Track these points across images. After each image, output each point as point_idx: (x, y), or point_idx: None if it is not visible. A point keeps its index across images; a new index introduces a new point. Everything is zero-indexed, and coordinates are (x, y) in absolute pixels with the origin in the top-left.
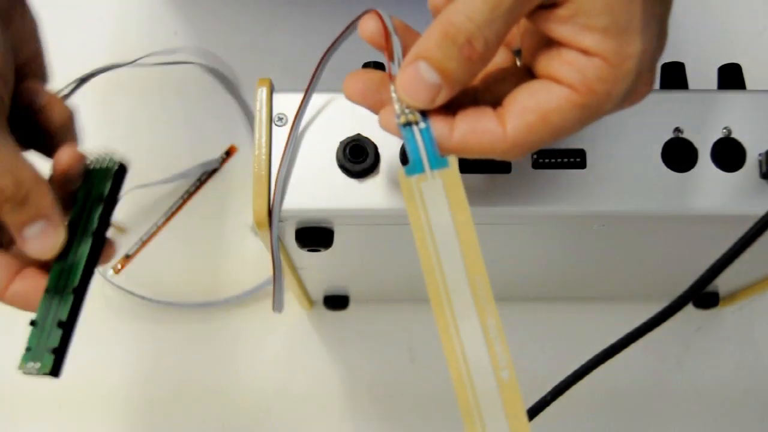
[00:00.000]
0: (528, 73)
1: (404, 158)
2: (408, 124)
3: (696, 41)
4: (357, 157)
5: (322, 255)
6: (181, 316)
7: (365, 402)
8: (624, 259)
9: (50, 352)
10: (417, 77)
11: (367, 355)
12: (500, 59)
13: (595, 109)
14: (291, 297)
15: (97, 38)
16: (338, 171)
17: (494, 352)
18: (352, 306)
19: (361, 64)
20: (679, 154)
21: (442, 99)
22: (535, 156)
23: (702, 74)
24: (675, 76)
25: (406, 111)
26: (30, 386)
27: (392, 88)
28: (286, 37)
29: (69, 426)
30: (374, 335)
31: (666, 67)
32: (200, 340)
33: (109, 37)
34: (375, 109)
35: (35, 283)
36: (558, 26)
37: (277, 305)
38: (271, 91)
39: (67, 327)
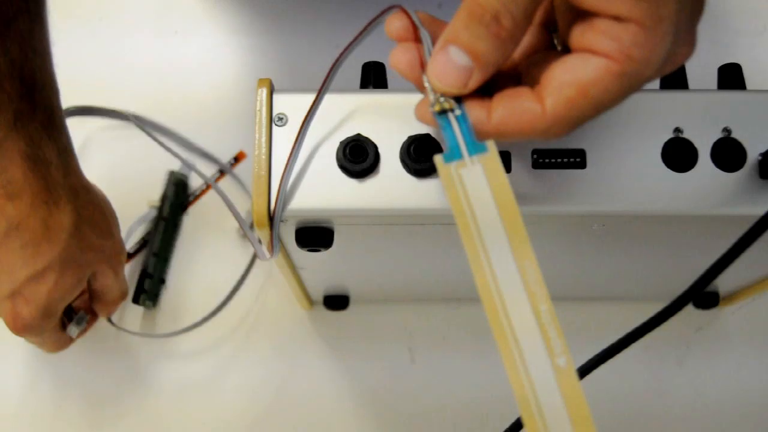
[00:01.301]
0: (563, 47)
1: (404, 158)
2: (443, 111)
3: (696, 41)
4: (357, 157)
5: (322, 255)
6: (181, 307)
7: (365, 402)
8: (624, 259)
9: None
10: (448, 61)
11: (367, 355)
12: (540, 41)
13: (635, 76)
14: (291, 297)
15: (99, 36)
16: (338, 171)
17: (549, 338)
18: (352, 306)
19: (361, 63)
20: (679, 154)
21: (475, 82)
22: (535, 156)
23: (702, 74)
24: (675, 76)
25: (441, 99)
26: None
27: (425, 78)
28: (286, 37)
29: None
30: (374, 335)
31: None
32: (199, 338)
33: (110, 36)
34: (419, 84)
35: None
36: None
37: (260, 254)
38: (271, 91)
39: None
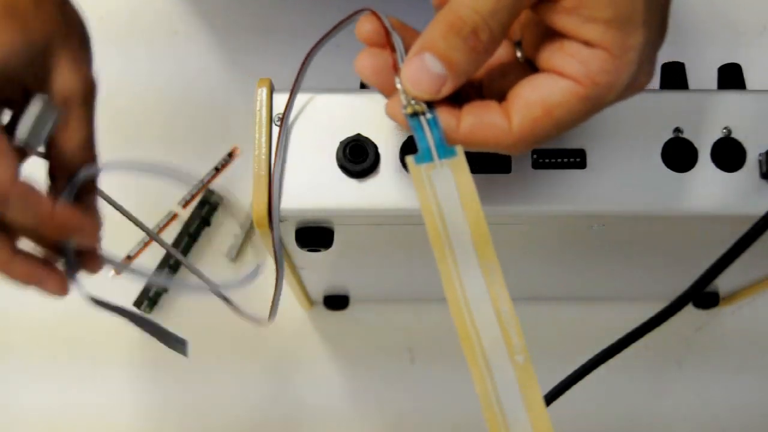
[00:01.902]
0: (530, 67)
1: (404, 158)
2: (415, 114)
3: (696, 41)
4: (357, 157)
5: (322, 255)
6: (180, 313)
7: (365, 402)
8: (624, 259)
9: None
10: (422, 68)
11: (367, 355)
12: (503, 53)
13: (598, 100)
14: (291, 297)
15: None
16: (338, 171)
17: (509, 337)
18: (352, 306)
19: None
20: (679, 154)
21: (447, 90)
22: (535, 156)
23: (702, 74)
24: (675, 76)
25: (412, 102)
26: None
27: (397, 80)
28: (287, 37)
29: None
30: (374, 335)
31: (666, 67)
32: (199, 339)
33: (110, 36)
34: (383, 89)
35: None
36: (561, 17)
37: (273, 314)
38: (271, 91)
39: None
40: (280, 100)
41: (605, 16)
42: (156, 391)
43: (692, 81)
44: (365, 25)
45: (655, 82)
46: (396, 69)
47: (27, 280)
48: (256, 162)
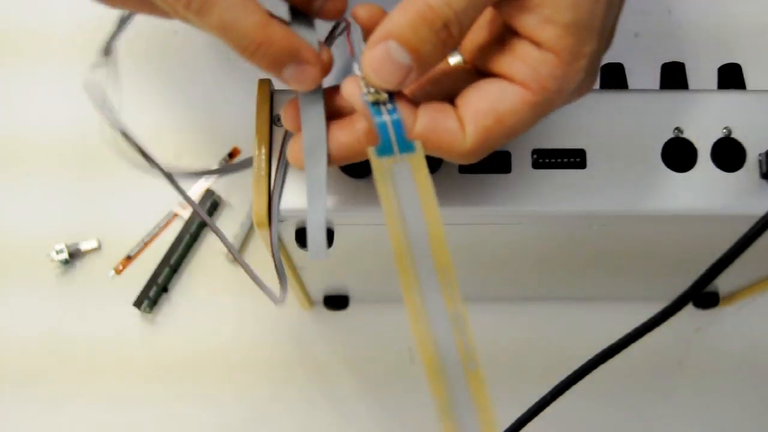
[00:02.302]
0: (471, 70)
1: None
2: (376, 102)
3: (696, 41)
4: None
5: None
6: (179, 313)
7: (365, 402)
8: (624, 259)
9: None
10: (387, 57)
11: (367, 355)
12: None
13: (546, 106)
14: (291, 297)
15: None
16: (338, 171)
17: (461, 343)
18: (352, 306)
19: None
20: (679, 154)
21: (410, 81)
22: (535, 156)
23: (702, 74)
24: (675, 76)
25: (371, 90)
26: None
27: (355, 67)
28: None
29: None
30: (374, 335)
31: (666, 67)
32: (200, 339)
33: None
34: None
35: None
36: (521, 15)
37: (284, 295)
38: (271, 92)
39: None
40: (280, 100)
41: (564, 19)
42: (154, 391)
43: (692, 81)
44: (361, 11)
45: (656, 82)
46: (353, 53)
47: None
48: (256, 162)
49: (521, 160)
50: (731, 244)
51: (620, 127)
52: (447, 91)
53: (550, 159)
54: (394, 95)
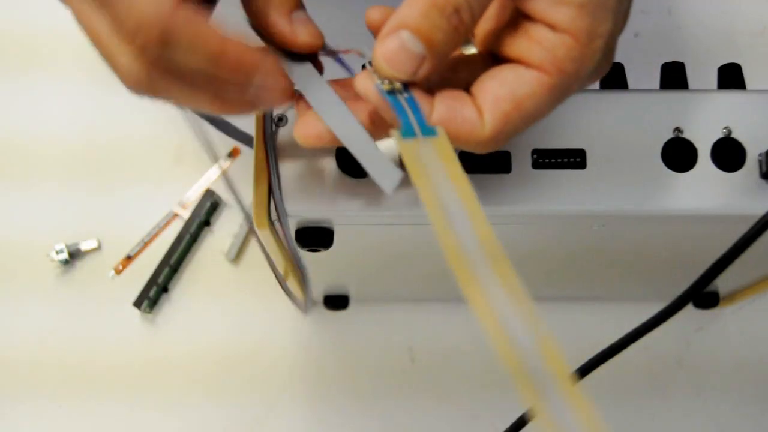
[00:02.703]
0: (486, 57)
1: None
2: (392, 91)
3: (696, 41)
4: None
5: (322, 255)
6: (179, 313)
7: (365, 402)
8: (624, 258)
9: None
10: (400, 47)
11: (367, 355)
12: None
13: (564, 88)
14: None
15: None
16: (338, 171)
17: (523, 311)
18: (352, 306)
19: (361, 65)
20: (679, 154)
21: (424, 71)
22: (535, 156)
23: (702, 74)
24: (675, 76)
25: (386, 81)
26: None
27: (366, 62)
28: None
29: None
30: (374, 335)
31: (666, 67)
32: (200, 339)
33: None
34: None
35: None
36: None
37: (306, 305)
38: None
39: None
40: None
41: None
42: (154, 390)
43: (692, 81)
44: (374, 13)
45: (656, 82)
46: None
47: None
48: (256, 162)
49: (521, 160)
50: (731, 244)
51: (620, 127)
52: (463, 79)
53: (550, 159)
54: (408, 86)
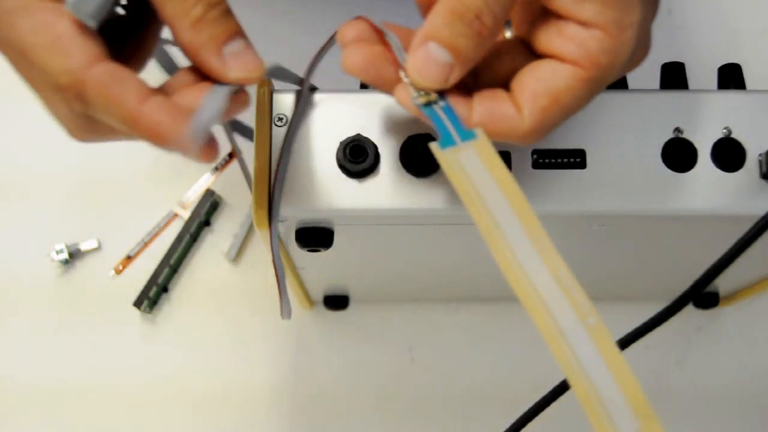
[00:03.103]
0: (523, 46)
1: (404, 158)
2: (428, 103)
3: (696, 41)
4: (357, 157)
5: (322, 255)
6: (179, 313)
7: (365, 402)
8: (624, 259)
9: None
10: (428, 58)
11: (367, 355)
12: None
13: (600, 80)
14: (291, 297)
15: None
16: (338, 171)
17: (574, 300)
18: (352, 306)
19: None
20: (679, 154)
21: (455, 78)
22: (535, 156)
23: (702, 74)
24: (675, 76)
25: (421, 92)
26: (31, 384)
27: (402, 74)
28: (286, 37)
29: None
30: (374, 335)
31: (666, 67)
32: (200, 339)
33: None
34: (376, 82)
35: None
36: None
37: (285, 312)
38: (271, 91)
39: None
40: (280, 100)
41: None
42: (154, 391)
43: (692, 81)
44: (348, 33)
45: (656, 82)
46: (397, 64)
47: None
48: (256, 162)
49: (521, 160)
50: (731, 244)
51: (620, 127)
52: (506, 65)
53: (550, 159)
54: (444, 92)
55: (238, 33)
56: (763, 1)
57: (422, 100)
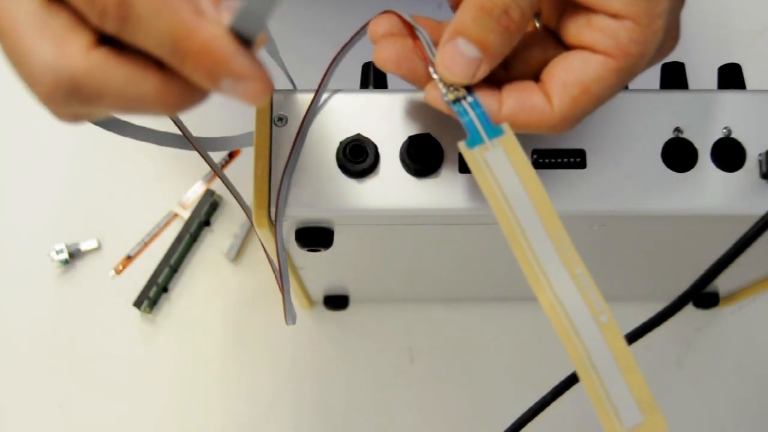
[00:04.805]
0: (552, 36)
1: (404, 158)
2: (457, 100)
3: (696, 41)
4: (357, 157)
5: (322, 255)
6: (179, 313)
7: (365, 402)
8: (624, 259)
9: None
10: (457, 53)
11: (367, 355)
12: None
13: (631, 70)
14: (292, 297)
15: None
16: (338, 171)
17: (589, 300)
18: (352, 306)
19: (361, 64)
20: (679, 154)
21: (483, 72)
22: (535, 156)
23: (702, 74)
24: (675, 76)
25: (451, 89)
26: (28, 386)
27: (431, 69)
28: (287, 36)
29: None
30: (374, 335)
31: (666, 67)
32: (200, 339)
33: None
34: (408, 78)
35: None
36: None
37: (290, 316)
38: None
39: None
40: (280, 100)
41: None
42: (154, 391)
43: (692, 81)
44: (379, 27)
45: (656, 82)
46: (426, 60)
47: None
48: (256, 162)
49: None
50: (731, 244)
51: (620, 127)
52: (532, 65)
53: (550, 159)
54: (472, 87)
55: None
56: (763, 1)
57: (451, 96)
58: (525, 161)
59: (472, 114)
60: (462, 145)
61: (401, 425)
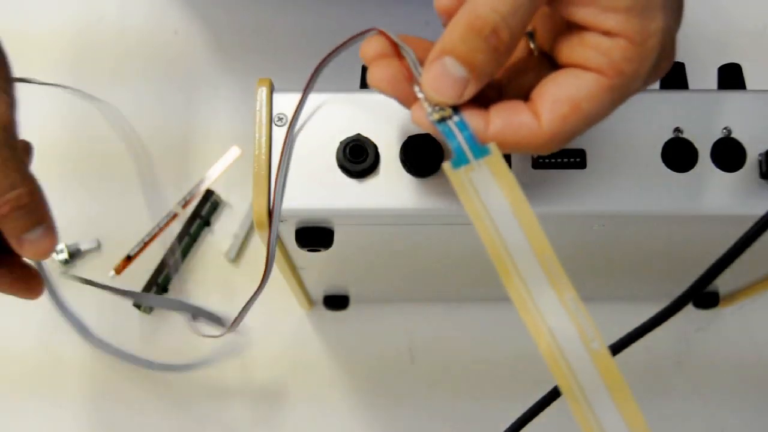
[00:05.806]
0: (547, 60)
1: (404, 158)
2: (442, 119)
3: (696, 41)
4: (357, 157)
5: (322, 255)
6: (177, 314)
7: (365, 402)
8: (624, 258)
9: None
10: (443, 73)
11: (367, 355)
12: (518, 48)
13: (624, 89)
14: (291, 297)
15: (93, 38)
16: (338, 171)
17: (579, 325)
18: (352, 306)
19: (361, 64)
20: (679, 154)
21: (470, 93)
22: (535, 156)
23: (702, 74)
24: (675, 76)
25: (436, 108)
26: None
27: (417, 89)
28: (287, 36)
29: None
30: (374, 335)
31: None
32: (200, 339)
33: (110, 37)
34: (401, 99)
35: None
36: (579, 9)
37: (236, 322)
38: (271, 91)
39: None
40: (280, 100)
41: (624, 4)
42: (153, 391)
43: (692, 81)
44: (370, 49)
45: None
46: (412, 79)
47: None
48: (256, 162)
49: (521, 160)
50: (731, 244)
51: (620, 127)
52: (526, 89)
53: (550, 159)
54: (459, 107)
55: (42, 221)
56: (763, 1)
57: (437, 116)
58: (512, 182)
59: (457, 134)
60: (447, 166)
61: (401, 425)
